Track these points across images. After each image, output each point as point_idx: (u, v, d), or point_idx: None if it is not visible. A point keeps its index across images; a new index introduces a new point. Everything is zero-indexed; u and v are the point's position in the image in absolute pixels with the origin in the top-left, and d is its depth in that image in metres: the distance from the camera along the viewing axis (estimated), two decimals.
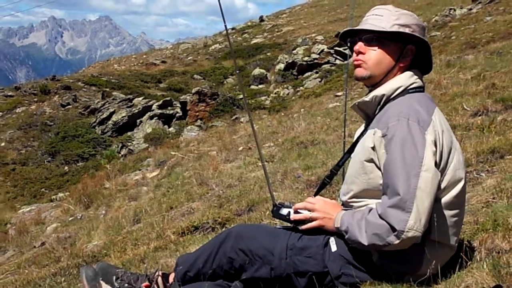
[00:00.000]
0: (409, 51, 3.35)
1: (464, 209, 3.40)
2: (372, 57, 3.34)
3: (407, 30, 3.28)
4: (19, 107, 37.29)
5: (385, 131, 3.11)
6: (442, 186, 3.12)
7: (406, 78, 3.33)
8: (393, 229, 2.95)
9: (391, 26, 3.29)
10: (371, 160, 3.20)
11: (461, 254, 3.32)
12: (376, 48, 3.34)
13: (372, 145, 3.18)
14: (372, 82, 3.41)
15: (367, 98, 3.39)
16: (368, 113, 3.47)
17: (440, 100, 9.39)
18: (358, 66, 3.39)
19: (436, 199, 3.08)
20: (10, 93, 40.28)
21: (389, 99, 3.32)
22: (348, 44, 3.56)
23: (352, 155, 3.48)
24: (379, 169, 3.16)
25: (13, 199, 25.93)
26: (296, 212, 3.49)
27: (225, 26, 4.20)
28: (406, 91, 3.30)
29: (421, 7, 45.39)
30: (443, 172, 3.11)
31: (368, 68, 3.35)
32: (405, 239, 2.94)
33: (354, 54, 3.43)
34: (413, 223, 2.92)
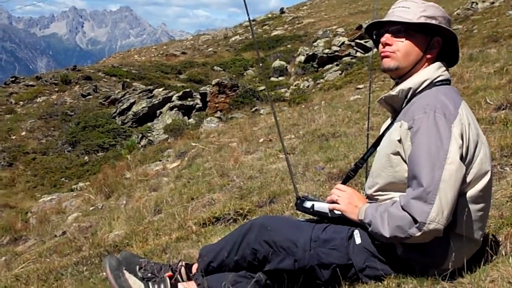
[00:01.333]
0: (436, 43, 3.34)
1: (490, 203, 3.38)
2: (400, 48, 3.33)
3: (434, 22, 3.27)
4: (39, 97, 37.47)
5: (411, 123, 3.10)
6: (468, 179, 3.10)
7: (432, 71, 3.31)
8: (415, 221, 2.95)
9: (418, 17, 3.27)
10: (397, 153, 3.19)
11: (486, 248, 3.31)
12: (403, 39, 3.32)
13: (399, 138, 3.17)
14: (399, 74, 3.39)
15: (393, 92, 3.38)
16: (395, 107, 3.45)
17: (463, 94, 9.32)
18: (386, 57, 3.38)
19: (462, 193, 3.07)
20: (31, 83, 40.50)
21: (415, 92, 3.31)
22: (374, 37, 3.55)
23: (378, 148, 3.47)
24: (405, 162, 3.15)
25: (33, 188, 26.08)
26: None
27: (249, 18, 4.23)
28: (432, 84, 3.29)
29: (443, 0, 45.16)
30: (469, 165, 3.10)
31: (396, 59, 3.34)
32: (427, 231, 2.93)
33: (381, 46, 3.42)
34: (435, 215, 2.90)
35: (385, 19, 3.41)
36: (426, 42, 3.33)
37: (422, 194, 2.94)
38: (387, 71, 3.44)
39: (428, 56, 3.34)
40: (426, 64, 3.35)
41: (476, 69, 11.96)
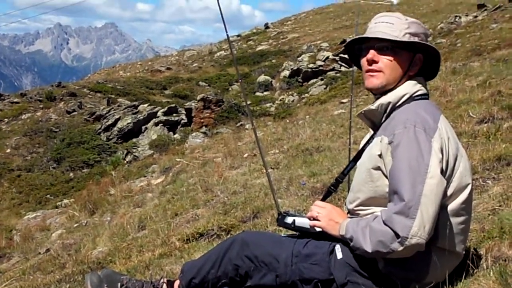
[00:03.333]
0: (418, 60, 3.36)
1: (471, 216, 3.39)
2: (387, 65, 3.32)
3: (417, 39, 3.29)
4: (24, 114, 37.38)
5: (392, 138, 3.11)
6: (449, 193, 3.11)
7: (411, 86, 3.32)
8: (397, 235, 2.94)
9: (403, 35, 3.28)
10: (378, 168, 3.19)
11: (468, 261, 3.32)
12: (389, 57, 3.32)
13: (379, 153, 3.18)
14: (383, 91, 3.39)
15: (373, 107, 3.38)
16: (375, 121, 3.45)
17: (446, 107, 9.37)
18: (371, 76, 3.37)
19: (443, 206, 3.07)
20: (15, 100, 40.40)
21: (395, 106, 3.31)
22: (356, 52, 3.53)
23: (359, 163, 3.47)
24: (386, 176, 3.15)
25: (18, 206, 25.94)
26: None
27: (227, 35, 4.24)
28: (411, 98, 3.30)
29: (426, 14, 45.47)
30: (449, 179, 3.11)
31: (382, 77, 3.33)
32: (409, 245, 2.93)
33: (365, 63, 3.41)
34: (417, 229, 2.90)
35: (370, 35, 3.38)
36: (409, 59, 3.34)
37: (404, 208, 2.94)
38: (373, 90, 3.42)
39: (411, 73, 3.36)
40: (404, 81, 3.35)
41: (459, 82, 12.01)
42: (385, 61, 3.33)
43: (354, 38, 3.53)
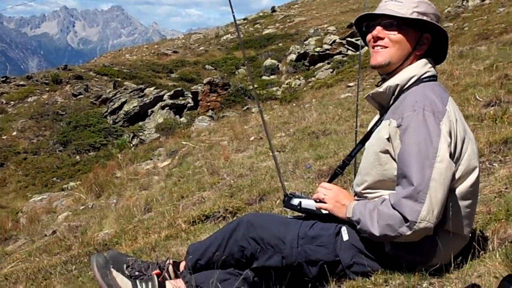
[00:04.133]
0: (426, 39, 3.33)
1: (477, 199, 3.39)
2: (392, 42, 3.31)
3: (425, 18, 3.26)
4: (30, 97, 37.34)
5: (400, 121, 3.09)
6: (457, 176, 3.10)
7: (420, 67, 3.30)
8: (405, 219, 2.94)
9: (411, 13, 3.26)
10: (386, 151, 3.18)
11: (474, 243, 3.31)
12: (395, 33, 3.30)
13: (388, 136, 3.16)
14: (388, 70, 3.38)
15: (381, 89, 3.37)
16: (383, 104, 3.44)
17: (453, 91, 9.35)
18: (376, 52, 3.36)
19: (451, 190, 3.06)
20: (21, 83, 40.34)
21: (403, 89, 3.29)
22: (364, 29, 3.51)
23: (366, 146, 3.45)
24: (394, 160, 3.14)
25: (24, 188, 25.98)
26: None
27: (234, 17, 4.21)
28: (419, 80, 3.28)
29: None
30: (457, 162, 3.10)
31: (387, 54, 3.32)
32: (417, 230, 2.93)
33: (371, 39, 3.40)
34: (426, 214, 2.90)
35: (377, 11, 3.39)
36: (417, 38, 3.31)
37: (413, 193, 2.93)
38: (377, 67, 3.41)
39: (417, 52, 3.33)
40: (414, 60, 3.33)
41: (466, 66, 11.98)
42: (391, 37, 3.32)
43: (361, 15, 3.50)
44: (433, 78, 3.33)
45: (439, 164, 2.94)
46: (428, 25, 3.29)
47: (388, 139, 3.17)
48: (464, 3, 30.18)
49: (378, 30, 3.35)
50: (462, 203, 3.16)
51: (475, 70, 11.15)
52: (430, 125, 3.01)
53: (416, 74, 3.28)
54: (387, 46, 3.33)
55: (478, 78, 10.00)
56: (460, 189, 3.14)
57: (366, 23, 3.47)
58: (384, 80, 3.44)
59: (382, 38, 3.34)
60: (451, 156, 3.03)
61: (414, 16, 3.26)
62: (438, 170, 2.94)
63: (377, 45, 3.36)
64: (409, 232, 2.95)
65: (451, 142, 3.03)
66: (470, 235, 3.34)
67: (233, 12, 4.10)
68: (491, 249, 3.42)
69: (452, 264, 3.15)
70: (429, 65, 3.34)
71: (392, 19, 3.31)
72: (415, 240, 3.02)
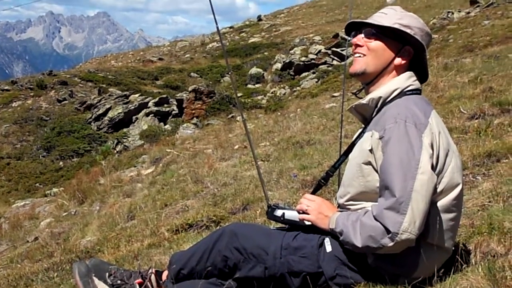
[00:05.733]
0: (406, 52, 3.33)
1: (461, 212, 3.39)
2: (369, 50, 3.34)
3: (407, 30, 3.27)
4: (15, 102, 37.23)
5: (382, 133, 3.10)
6: (439, 189, 3.10)
7: (403, 80, 3.31)
8: (387, 231, 2.94)
9: (393, 23, 3.28)
10: (368, 163, 3.18)
11: (457, 257, 3.31)
12: (374, 42, 3.33)
13: (370, 147, 3.16)
14: (367, 79, 3.40)
15: (364, 101, 3.37)
16: (365, 116, 3.45)
17: (437, 103, 9.38)
18: (355, 61, 3.39)
19: (433, 202, 3.07)
20: (6, 87, 40.22)
21: (386, 101, 3.30)
22: (351, 38, 3.54)
23: (349, 157, 3.45)
24: (377, 171, 3.14)
25: (7, 194, 25.90)
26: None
27: (217, 27, 4.23)
28: (403, 93, 3.28)
29: (419, 10, 45.44)
30: (439, 175, 3.10)
31: (363, 62, 3.35)
32: (399, 241, 2.93)
33: (353, 47, 3.43)
34: (408, 225, 2.90)
35: (361, 20, 3.42)
36: (396, 49, 3.32)
37: (395, 204, 2.94)
38: (354, 75, 3.44)
39: (396, 63, 3.33)
40: (395, 72, 3.35)
41: (450, 78, 12.04)
42: (368, 45, 3.35)
43: (348, 23, 3.54)
44: (416, 91, 3.33)
45: (421, 175, 2.95)
46: (408, 38, 3.29)
47: (371, 150, 3.16)
48: (449, 15, 30.41)
49: (358, 38, 3.40)
50: (445, 216, 3.16)
51: (459, 82, 11.20)
52: (412, 136, 3.01)
53: (400, 87, 3.29)
54: (365, 54, 3.36)
55: (463, 90, 10.04)
56: (443, 202, 3.14)
57: (354, 32, 3.49)
58: (366, 91, 3.46)
59: (361, 46, 3.38)
60: (433, 168, 3.03)
61: (396, 26, 3.27)
62: (420, 182, 2.94)
63: (357, 53, 3.40)
64: (391, 244, 2.95)
65: (433, 154, 3.04)
66: (453, 248, 3.35)
67: (216, 23, 4.12)
68: (473, 263, 3.42)
69: (435, 277, 3.14)
70: (413, 78, 3.34)
71: (372, 28, 3.34)
72: (397, 251, 3.02)
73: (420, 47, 3.32)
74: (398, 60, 3.33)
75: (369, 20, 3.37)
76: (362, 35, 3.38)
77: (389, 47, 3.32)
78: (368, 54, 3.35)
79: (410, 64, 3.37)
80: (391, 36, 3.31)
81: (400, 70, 3.35)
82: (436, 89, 10.88)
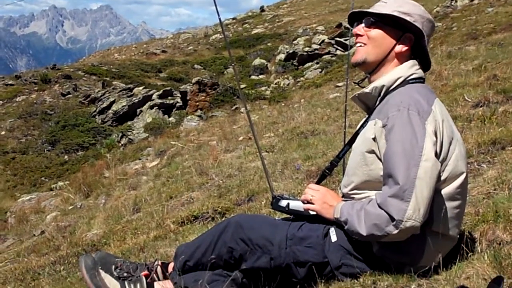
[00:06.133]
0: (407, 39, 3.31)
1: (466, 200, 3.38)
2: (369, 39, 3.34)
3: (406, 18, 3.26)
4: (19, 96, 37.26)
5: (386, 121, 3.09)
6: (444, 177, 3.10)
7: (406, 69, 3.30)
8: (392, 218, 2.93)
9: (392, 11, 3.27)
10: (372, 151, 3.18)
11: (462, 245, 3.31)
12: (373, 30, 3.34)
13: (373, 136, 3.16)
14: (368, 68, 3.40)
15: (367, 90, 3.37)
16: (369, 105, 3.45)
17: (441, 91, 9.36)
18: (357, 50, 3.39)
19: (438, 190, 3.07)
20: (10, 82, 40.23)
21: (389, 90, 3.29)
22: (353, 27, 3.55)
23: (353, 146, 3.44)
24: (380, 160, 3.14)
25: (13, 188, 25.96)
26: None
27: (219, 18, 4.22)
28: (406, 81, 3.27)
29: None
30: (443, 162, 3.09)
31: (364, 52, 3.36)
32: (404, 229, 2.92)
33: (355, 37, 3.44)
34: (412, 212, 2.89)
35: (357, 10, 3.43)
36: (397, 36, 3.32)
37: (399, 192, 2.93)
38: (355, 65, 3.45)
39: (398, 51, 3.32)
40: (396, 60, 3.34)
41: (454, 66, 12.00)
42: (368, 34, 3.36)
43: (349, 14, 3.54)
44: (419, 80, 3.32)
45: (425, 163, 2.94)
46: (407, 25, 3.28)
47: (374, 139, 3.16)
48: (452, 3, 30.29)
49: (358, 28, 3.41)
50: (450, 204, 3.16)
51: (463, 70, 11.16)
52: (415, 124, 3.01)
53: (403, 75, 3.28)
54: (366, 43, 3.36)
55: (467, 78, 10.01)
56: (447, 190, 3.14)
57: (356, 22, 3.49)
58: (368, 80, 3.46)
59: (361, 35, 3.38)
60: (437, 155, 3.02)
61: (395, 14, 3.26)
62: (424, 169, 2.93)
63: (358, 42, 3.41)
64: (395, 231, 2.94)
65: (436, 142, 3.03)
66: (459, 236, 3.34)
67: (218, 15, 4.11)
68: (479, 250, 3.42)
69: (441, 266, 3.14)
70: (416, 66, 3.33)
71: (371, 17, 3.35)
72: (402, 239, 3.02)
73: (420, 34, 3.31)
74: (399, 48, 3.32)
75: (369, 9, 3.37)
76: (363, 25, 3.38)
77: (389, 34, 3.32)
78: (369, 43, 3.35)
79: (412, 52, 3.36)
80: (390, 24, 3.30)
81: (402, 58, 3.34)
82: (440, 77, 10.86)
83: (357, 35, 3.40)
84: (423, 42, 3.31)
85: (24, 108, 34.84)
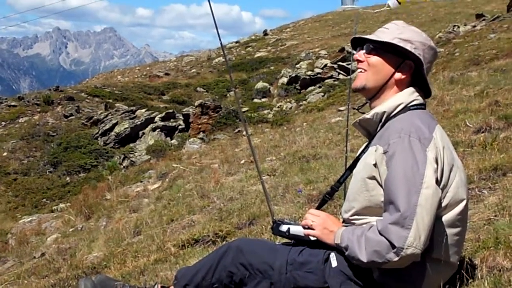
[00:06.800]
0: (407, 66, 3.32)
1: (466, 227, 3.39)
2: (369, 66, 3.36)
3: (407, 45, 3.27)
4: (22, 117, 37.26)
5: (387, 147, 3.10)
6: (444, 204, 3.10)
7: (407, 95, 3.31)
8: (392, 246, 2.93)
9: (392, 38, 3.28)
10: (373, 177, 3.18)
11: (462, 271, 3.31)
12: (373, 57, 3.35)
13: (374, 162, 3.17)
14: (368, 94, 3.43)
15: (368, 116, 3.38)
16: (370, 130, 3.46)
17: (443, 117, 9.38)
18: (357, 75, 3.42)
19: (438, 217, 3.07)
20: (13, 103, 40.26)
21: (390, 116, 3.31)
22: (355, 53, 3.57)
23: (354, 172, 3.45)
24: (381, 186, 3.14)
25: (14, 209, 25.90)
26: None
27: (221, 43, 4.28)
28: (407, 108, 3.29)
29: (425, 23, 45.42)
30: (444, 189, 3.10)
31: (364, 78, 3.39)
32: (404, 256, 2.92)
33: (356, 63, 3.46)
34: (413, 240, 2.89)
35: (362, 36, 3.45)
36: (396, 63, 3.33)
37: (399, 219, 2.93)
38: (355, 91, 3.48)
39: (397, 78, 3.34)
40: (396, 87, 3.35)
41: (456, 92, 12.02)
42: (368, 61, 3.38)
43: (352, 39, 3.56)
44: (420, 106, 3.33)
45: (425, 190, 2.94)
46: (408, 52, 3.29)
47: (375, 165, 3.17)
48: (455, 29, 30.36)
49: (359, 54, 3.44)
50: (451, 231, 3.16)
51: (465, 96, 11.18)
52: (416, 151, 3.02)
53: (404, 101, 3.29)
54: (366, 69, 3.38)
55: (469, 104, 10.02)
56: (448, 217, 3.14)
57: (358, 47, 3.51)
58: (370, 106, 3.47)
59: (362, 61, 3.41)
60: (438, 182, 3.03)
61: (395, 42, 3.28)
62: (425, 196, 2.94)
63: (359, 68, 3.43)
64: (396, 258, 2.94)
65: (437, 169, 3.04)
66: (459, 263, 3.34)
67: (220, 39, 4.17)
68: (479, 277, 3.42)
69: None
70: (416, 93, 3.34)
71: (372, 43, 3.36)
72: (403, 266, 3.02)
73: (420, 62, 3.32)
74: (398, 75, 3.33)
75: (371, 36, 3.39)
76: (364, 51, 3.40)
77: (388, 62, 3.33)
78: (368, 69, 3.37)
79: (413, 78, 3.37)
80: (390, 51, 3.32)
81: (401, 85, 3.35)
82: (442, 102, 10.87)
83: (358, 61, 3.41)
84: (422, 70, 3.31)
85: (27, 130, 34.84)
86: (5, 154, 31.94)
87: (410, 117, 3.22)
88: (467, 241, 3.94)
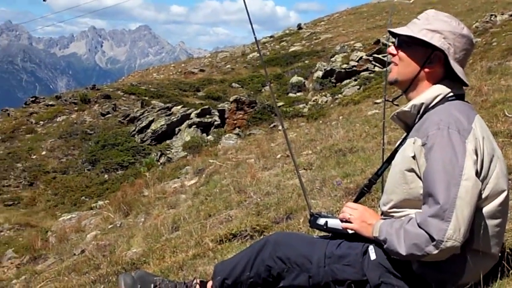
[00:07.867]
0: (437, 57, 3.27)
1: (507, 218, 3.34)
2: (400, 59, 3.36)
3: (435, 36, 3.22)
4: (59, 116, 37.63)
5: (425, 139, 3.07)
6: (484, 195, 3.07)
7: (444, 86, 3.27)
8: (432, 238, 2.91)
9: (420, 30, 3.25)
10: (411, 170, 3.16)
11: (503, 262, 3.27)
12: (403, 51, 3.34)
13: (413, 154, 3.14)
14: (402, 87, 3.43)
15: (406, 108, 3.35)
16: (408, 123, 3.43)
17: (481, 107, 9.27)
18: (391, 69, 3.42)
19: (478, 208, 3.03)
20: (51, 102, 40.66)
21: (428, 107, 3.27)
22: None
23: (392, 164, 3.43)
24: (420, 178, 3.11)
25: (53, 207, 26.19)
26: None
27: (255, 38, 4.27)
28: (445, 99, 3.25)
29: (461, 13, 44.94)
30: (484, 180, 3.06)
31: (395, 72, 3.39)
32: (444, 249, 2.89)
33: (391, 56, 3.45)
34: (452, 232, 2.87)
35: (394, 29, 3.42)
36: (426, 55, 3.29)
37: (439, 211, 2.90)
38: (391, 84, 3.48)
39: (427, 70, 3.30)
40: (428, 78, 3.32)
41: (495, 82, 11.88)
42: (399, 54, 3.37)
43: (388, 33, 3.55)
44: (459, 97, 3.29)
45: (465, 182, 2.91)
46: (433, 45, 3.24)
47: (413, 157, 3.14)
48: (492, 18, 30.02)
49: (391, 48, 3.43)
50: (491, 222, 3.13)
51: (504, 85, 11.05)
52: (456, 143, 2.99)
53: (442, 92, 3.25)
54: (397, 63, 3.38)
55: (507, 94, 9.90)
56: (488, 208, 3.11)
57: (395, 39, 3.49)
58: (406, 97, 3.45)
59: (394, 55, 3.40)
60: (478, 174, 3.00)
61: (423, 33, 3.24)
62: (464, 188, 2.91)
63: (392, 61, 3.43)
64: (435, 251, 2.91)
65: (477, 160, 3.00)
66: (500, 254, 3.30)
67: (254, 34, 4.14)
68: None
69: (482, 284, 3.11)
70: (454, 84, 3.30)
71: (402, 37, 3.35)
72: (442, 259, 2.99)
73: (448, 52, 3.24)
74: (428, 67, 3.30)
75: (402, 28, 3.36)
76: (395, 45, 3.38)
77: (417, 54, 3.30)
78: (399, 63, 3.36)
79: (446, 69, 3.30)
80: (419, 43, 3.28)
81: (434, 76, 3.31)
82: (480, 93, 10.74)
83: (392, 54, 3.40)
84: (450, 60, 3.25)
85: (64, 128, 35.19)
86: (44, 153, 32.32)
87: (448, 108, 3.18)
88: (508, 232, 3.89)
